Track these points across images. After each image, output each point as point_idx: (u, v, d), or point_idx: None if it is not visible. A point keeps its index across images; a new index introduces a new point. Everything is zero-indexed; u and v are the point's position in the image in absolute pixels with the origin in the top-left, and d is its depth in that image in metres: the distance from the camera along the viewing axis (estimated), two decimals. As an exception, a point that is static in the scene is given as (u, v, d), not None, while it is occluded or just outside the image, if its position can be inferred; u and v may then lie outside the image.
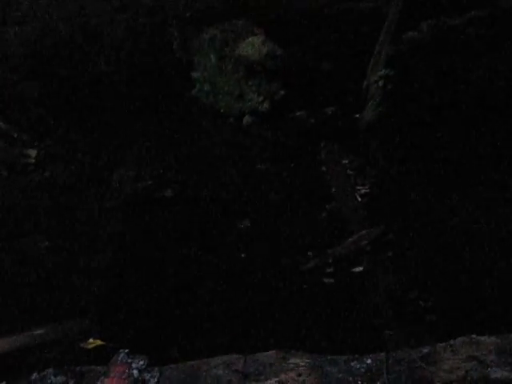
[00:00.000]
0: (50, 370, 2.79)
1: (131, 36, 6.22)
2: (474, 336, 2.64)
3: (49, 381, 2.75)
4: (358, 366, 2.62)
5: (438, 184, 4.21)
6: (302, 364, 2.65)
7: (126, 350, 2.82)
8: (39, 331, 3.45)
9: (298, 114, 5.14)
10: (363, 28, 5.45)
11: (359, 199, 4.26)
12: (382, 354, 2.64)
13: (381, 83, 4.81)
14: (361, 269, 3.73)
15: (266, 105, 5.20)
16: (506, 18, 4.83)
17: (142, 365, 2.75)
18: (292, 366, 2.64)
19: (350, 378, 2.58)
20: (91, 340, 3.38)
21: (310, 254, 3.89)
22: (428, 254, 3.72)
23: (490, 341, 2.63)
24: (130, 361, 2.77)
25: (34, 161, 5.19)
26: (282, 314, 3.48)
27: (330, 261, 3.82)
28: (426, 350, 2.64)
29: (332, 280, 3.69)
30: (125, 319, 3.53)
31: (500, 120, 4.68)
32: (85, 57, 6.18)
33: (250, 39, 5.40)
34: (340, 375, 2.59)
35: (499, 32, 4.80)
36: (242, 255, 3.94)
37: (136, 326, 3.47)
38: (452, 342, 2.63)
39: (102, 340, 3.35)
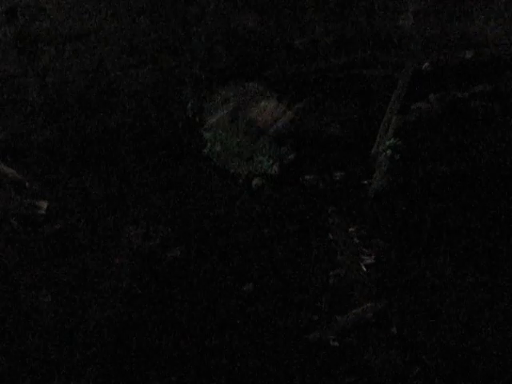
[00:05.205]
0: None
1: (147, 91, 6.37)
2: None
3: None
4: None
5: (446, 260, 4.23)
6: None
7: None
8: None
9: (306, 177, 5.20)
10: (373, 95, 5.56)
11: (364, 269, 4.29)
12: None
13: (389, 152, 4.87)
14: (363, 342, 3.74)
15: (275, 168, 5.27)
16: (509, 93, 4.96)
17: None
18: None
19: None
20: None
21: (315, 317, 3.92)
22: (430, 331, 3.72)
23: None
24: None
25: (44, 212, 5.23)
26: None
27: (334, 332, 3.84)
28: None
29: (337, 344, 3.72)
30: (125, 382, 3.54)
31: (508, 192, 4.72)
32: (101, 108, 6.32)
33: (262, 103, 5.53)
34: None
35: (503, 106, 4.90)
36: (244, 320, 3.96)
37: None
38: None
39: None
